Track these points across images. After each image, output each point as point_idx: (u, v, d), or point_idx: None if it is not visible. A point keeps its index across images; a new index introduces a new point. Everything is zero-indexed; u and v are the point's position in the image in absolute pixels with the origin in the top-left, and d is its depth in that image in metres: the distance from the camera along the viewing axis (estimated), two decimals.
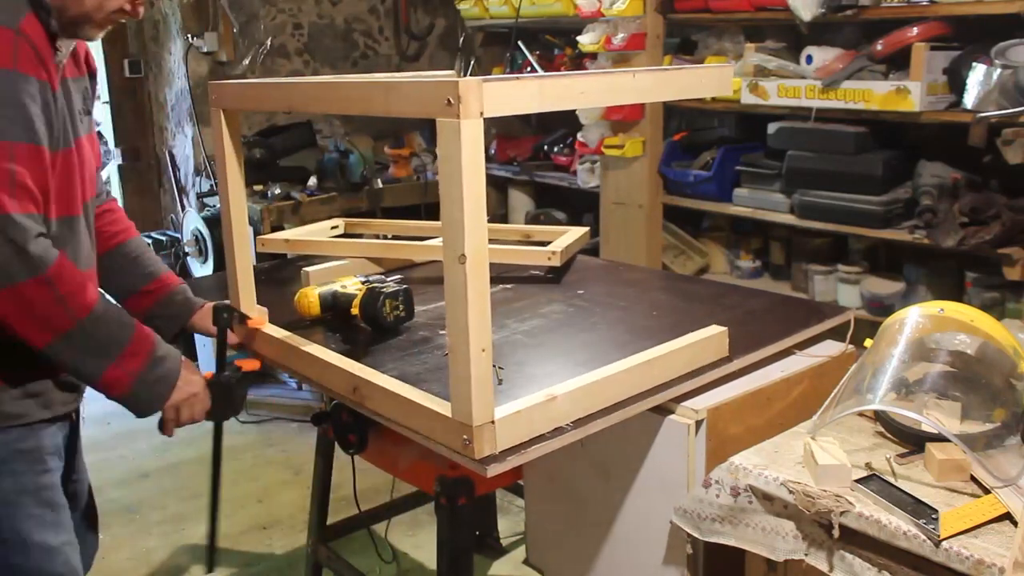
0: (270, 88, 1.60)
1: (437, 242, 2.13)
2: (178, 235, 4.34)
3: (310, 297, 1.84)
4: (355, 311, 1.79)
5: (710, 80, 1.53)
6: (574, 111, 3.65)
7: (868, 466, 1.34)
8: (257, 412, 3.93)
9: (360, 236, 2.61)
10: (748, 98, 3.08)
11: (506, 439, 1.29)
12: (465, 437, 1.26)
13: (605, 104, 3.18)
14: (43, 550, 1.54)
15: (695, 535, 1.45)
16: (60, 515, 1.57)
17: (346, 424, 1.89)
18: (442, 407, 1.32)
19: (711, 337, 1.61)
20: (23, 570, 1.52)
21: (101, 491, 2.27)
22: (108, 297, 1.56)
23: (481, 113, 1.14)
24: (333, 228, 2.61)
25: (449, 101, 1.12)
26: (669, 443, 1.52)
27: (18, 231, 1.31)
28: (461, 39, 4.61)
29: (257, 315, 1.76)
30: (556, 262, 2.15)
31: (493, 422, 1.27)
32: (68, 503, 1.63)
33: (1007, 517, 1.19)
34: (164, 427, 1.60)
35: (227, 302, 1.75)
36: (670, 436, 1.52)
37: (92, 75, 1.66)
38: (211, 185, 4.15)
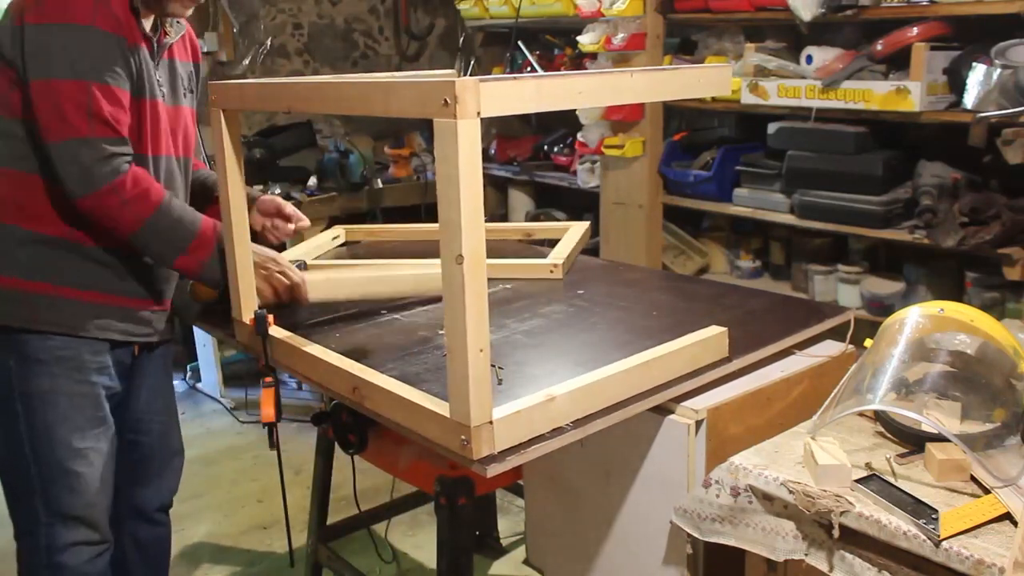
0: (269, 88, 1.60)
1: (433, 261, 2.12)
2: None
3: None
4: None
5: (708, 80, 1.52)
6: (574, 111, 3.65)
7: (868, 466, 1.34)
8: (257, 412, 3.92)
9: (358, 243, 2.66)
10: (748, 98, 3.08)
11: (504, 440, 1.29)
12: (463, 438, 1.26)
13: (603, 104, 3.18)
14: (65, 447, 1.77)
15: (695, 535, 1.45)
16: (91, 424, 1.80)
17: (346, 424, 1.89)
18: (440, 407, 1.32)
19: (711, 337, 1.60)
20: (44, 460, 1.77)
21: None
22: (180, 203, 1.78)
23: (478, 113, 1.14)
24: (334, 239, 2.62)
25: (446, 101, 1.12)
26: (669, 443, 1.52)
27: (89, 152, 1.62)
28: (461, 39, 4.61)
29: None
30: (558, 275, 2.16)
31: (491, 422, 1.27)
32: (127, 437, 1.96)
33: (1007, 517, 1.19)
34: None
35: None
36: (670, 436, 1.52)
37: (197, 64, 1.97)
38: None
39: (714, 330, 1.62)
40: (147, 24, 1.75)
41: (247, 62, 4.32)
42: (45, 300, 1.74)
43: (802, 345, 1.77)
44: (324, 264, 2.35)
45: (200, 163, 2.11)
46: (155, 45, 1.78)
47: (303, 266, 2.13)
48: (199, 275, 1.80)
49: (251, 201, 2.00)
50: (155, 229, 1.71)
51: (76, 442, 1.78)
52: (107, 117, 1.63)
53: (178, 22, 1.85)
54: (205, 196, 2.02)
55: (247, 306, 1.76)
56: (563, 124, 4.23)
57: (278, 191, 3.80)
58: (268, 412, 1.68)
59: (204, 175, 2.09)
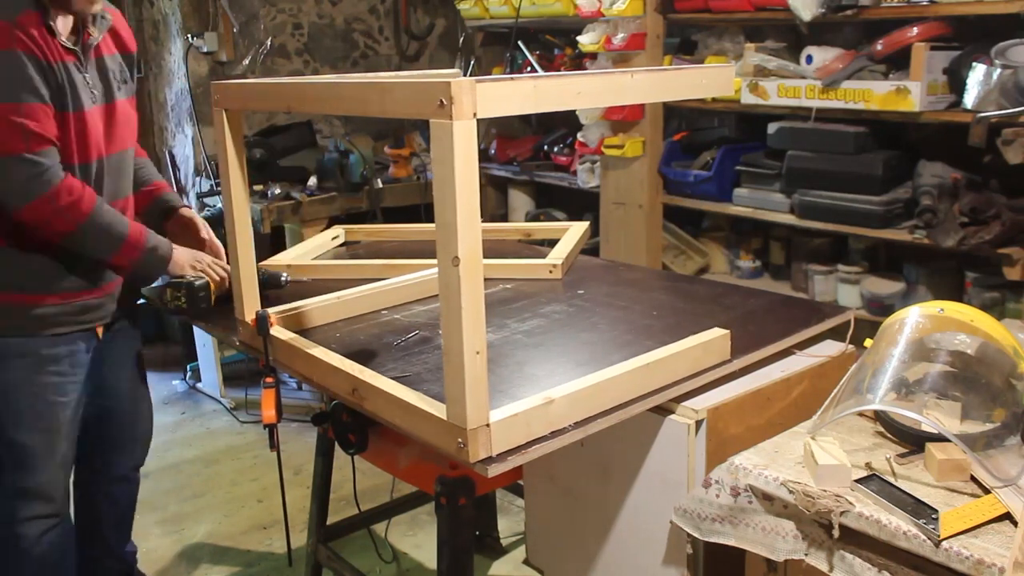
0: (270, 88, 1.60)
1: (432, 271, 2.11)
2: None
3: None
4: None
5: (711, 80, 1.52)
6: (574, 111, 3.65)
7: (868, 466, 1.34)
8: (257, 412, 3.92)
9: (358, 243, 2.66)
10: (748, 98, 3.08)
11: (502, 443, 1.29)
12: (460, 440, 1.26)
13: (602, 105, 3.18)
14: (25, 429, 1.97)
15: (695, 535, 1.45)
16: (49, 408, 1.98)
17: (346, 424, 1.89)
18: (438, 410, 1.32)
19: (712, 340, 1.60)
20: (6, 441, 1.98)
21: None
22: (109, 209, 1.92)
23: (475, 114, 1.13)
24: (334, 239, 2.62)
25: (442, 102, 1.11)
26: (669, 443, 1.52)
27: (26, 168, 1.78)
28: (461, 39, 4.61)
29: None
30: (558, 275, 2.16)
31: (488, 425, 1.27)
32: (98, 403, 2.15)
33: (1007, 517, 1.19)
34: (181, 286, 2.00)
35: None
36: (670, 436, 1.52)
37: (129, 54, 2.07)
38: (211, 185, 4.15)
39: (715, 332, 1.62)
40: (66, 31, 1.86)
41: (247, 62, 4.32)
42: None
43: (802, 345, 1.77)
44: (310, 265, 2.34)
45: (140, 150, 2.23)
46: (80, 54, 1.88)
47: (285, 281, 2.13)
48: (131, 273, 2.03)
49: (173, 210, 2.22)
50: (87, 233, 1.88)
51: (33, 424, 1.97)
52: (39, 132, 1.78)
53: (103, 17, 1.95)
54: (136, 188, 2.18)
55: (249, 306, 1.76)
56: (563, 124, 4.23)
57: (278, 191, 3.80)
58: (269, 414, 1.68)
59: (138, 165, 2.19)
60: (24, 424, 1.96)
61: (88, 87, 1.89)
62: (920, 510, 1.20)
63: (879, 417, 1.45)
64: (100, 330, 2.07)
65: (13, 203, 1.81)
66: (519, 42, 4.02)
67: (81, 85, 1.87)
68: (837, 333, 1.80)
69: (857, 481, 1.28)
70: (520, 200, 4.43)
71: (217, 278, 2.03)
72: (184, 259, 2.02)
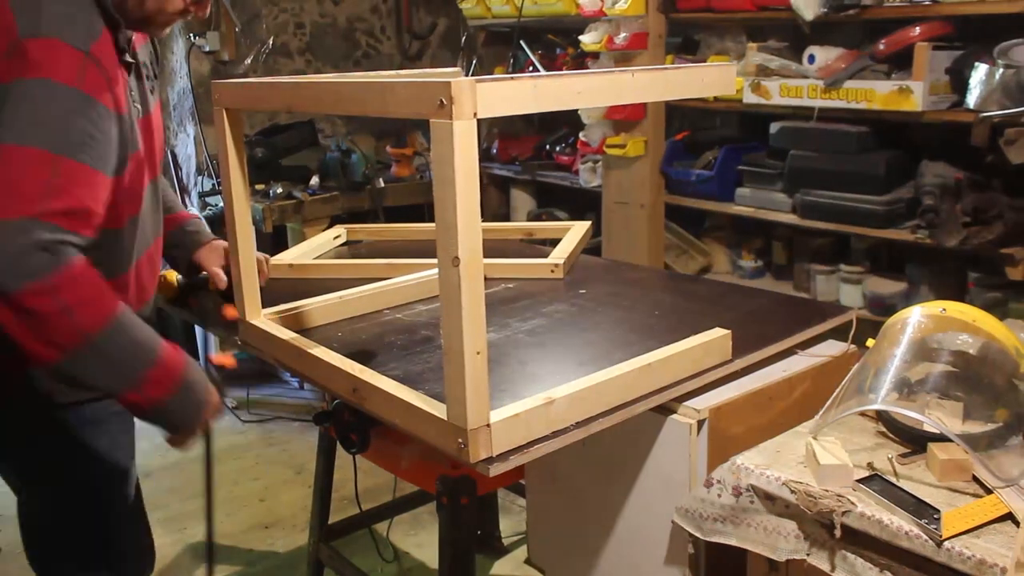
0: (270, 88, 1.60)
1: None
2: None
3: (169, 278, 2.00)
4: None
5: (712, 80, 1.52)
6: (576, 111, 3.65)
7: (870, 466, 1.34)
8: (259, 411, 3.93)
9: (360, 242, 2.66)
10: (750, 98, 3.07)
11: (502, 443, 1.29)
12: (460, 441, 1.26)
13: (603, 104, 3.17)
14: (124, 498, 1.70)
15: (697, 535, 1.45)
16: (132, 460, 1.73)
17: (348, 423, 1.89)
18: (438, 410, 1.31)
19: (714, 340, 1.60)
20: (110, 503, 1.67)
21: None
22: (131, 315, 1.33)
23: (475, 114, 1.12)
24: (336, 238, 2.62)
25: (442, 102, 1.10)
26: (671, 443, 1.52)
27: (37, 232, 1.19)
28: (463, 38, 4.61)
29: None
30: (559, 274, 2.16)
31: (489, 426, 1.26)
32: None
33: (1009, 517, 1.19)
34: (175, 443, 1.50)
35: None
36: (672, 436, 1.52)
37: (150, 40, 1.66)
38: (213, 184, 4.15)
39: (717, 332, 1.62)
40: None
41: (249, 61, 4.32)
42: None
43: (804, 345, 1.77)
44: (312, 264, 2.34)
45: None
46: (133, 66, 1.49)
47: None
48: (148, 417, 1.39)
49: (203, 241, 1.90)
50: (102, 350, 1.27)
51: (128, 490, 1.73)
52: (74, 206, 1.24)
53: None
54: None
55: (250, 306, 1.76)
56: (565, 123, 4.23)
57: (280, 190, 3.80)
58: (225, 358, 1.72)
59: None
60: (130, 485, 1.70)
61: (135, 103, 1.48)
62: (922, 510, 1.20)
63: (881, 417, 1.45)
64: None
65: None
66: (521, 41, 4.02)
67: (136, 128, 1.46)
68: (839, 333, 1.80)
69: (859, 481, 1.28)
70: (522, 199, 4.43)
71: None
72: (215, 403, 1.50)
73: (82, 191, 1.25)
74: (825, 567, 1.28)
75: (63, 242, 1.21)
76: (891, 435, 1.43)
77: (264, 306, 1.79)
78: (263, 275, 1.89)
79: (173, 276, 2.01)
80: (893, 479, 1.29)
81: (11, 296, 1.17)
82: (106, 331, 1.26)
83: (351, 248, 2.64)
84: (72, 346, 1.24)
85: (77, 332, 1.23)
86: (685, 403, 1.52)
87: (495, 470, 1.26)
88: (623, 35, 3.36)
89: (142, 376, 1.32)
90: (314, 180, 3.94)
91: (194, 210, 4.23)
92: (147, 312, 1.66)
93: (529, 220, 4.26)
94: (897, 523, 1.20)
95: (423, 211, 4.04)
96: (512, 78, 1.19)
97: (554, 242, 2.39)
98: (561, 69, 3.93)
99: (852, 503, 1.24)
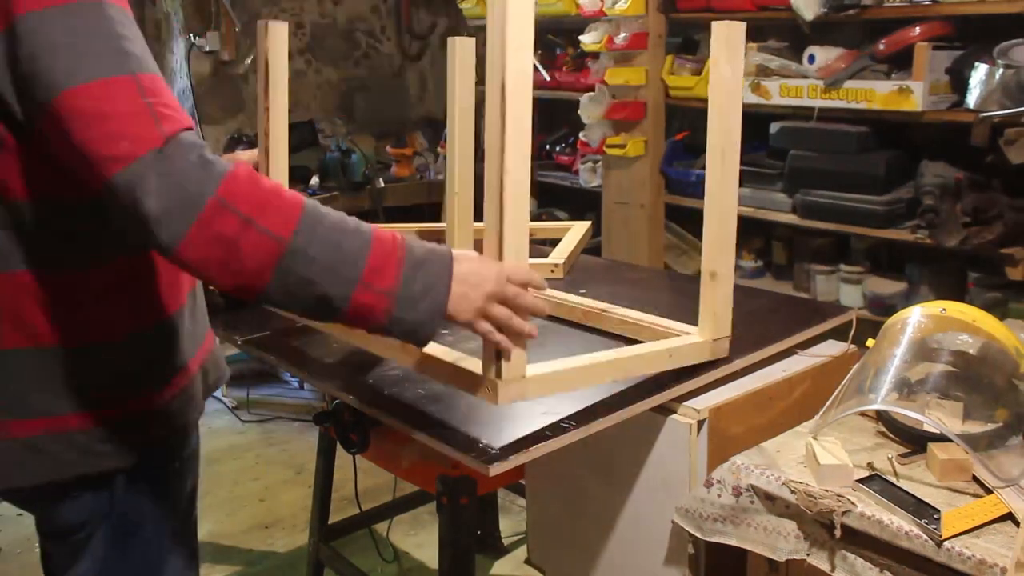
0: None
1: None
2: None
3: None
4: None
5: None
6: (576, 110, 3.65)
7: (870, 466, 1.34)
8: (259, 411, 3.93)
9: None
10: (750, 98, 3.07)
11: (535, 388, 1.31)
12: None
13: None
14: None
15: (697, 535, 1.45)
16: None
17: (348, 423, 1.88)
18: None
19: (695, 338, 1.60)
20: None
21: None
22: (317, 204, 1.11)
23: None
24: None
25: None
26: (671, 443, 1.52)
27: (180, 158, 1.02)
28: None
29: None
30: (559, 274, 2.16)
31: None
32: None
33: (1009, 517, 1.19)
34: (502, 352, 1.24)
35: None
36: (672, 436, 1.52)
37: None
38: None
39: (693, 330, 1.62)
40: None
41: (249, 61, 4.32)
42: (142, 415, 1.23)
43: (804, 345, 1.77)
44: None
45: None
46: None
47: None
48: (387, 324, 1.13)
49: None
50: (305, 253, 1.06)
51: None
52: (174, 114, 1.06)
53: None
54: None
55: None
56: (565, 123, 4.23)
57: None
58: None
59: None
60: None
61: None
62: (922, 510, 1.20)
63: (881, 417, 1.45)
64: None
65: (167, 236, 1.01)
66: None
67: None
68: (839, 333, 1.80)
69: (859, 481, 1.28)
70: None
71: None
72: (475, 295, 1.19)
73: (173, 101, 1.09)
74: (825, 567, 1.28)
75: (201, 155, 1.04)
76: (891, 435, 1.43)
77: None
78: None
79: None
80: (893, 479, 1.29)
81: (187, 236, 1.02)
82: (301, 229, 1.06)
83: None
84: (273, 260, 1.05)
85: (271, 240, 1.04)
86: (685, 403, 1.52)
87: (495, 469, 1.26)
88: (623, 35, 3.35)
89: (364, 265, 1.09)
90: (314, 180, 3.94)
91: None
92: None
93: (529, 220, 4.26)
94: (897, 523, 1.20)
95: (423, 211, 4.04)
96: None
97: (554, 242, 2.39)
98: (561, 69, 3.93)
99: (852, 503, 1.24)
